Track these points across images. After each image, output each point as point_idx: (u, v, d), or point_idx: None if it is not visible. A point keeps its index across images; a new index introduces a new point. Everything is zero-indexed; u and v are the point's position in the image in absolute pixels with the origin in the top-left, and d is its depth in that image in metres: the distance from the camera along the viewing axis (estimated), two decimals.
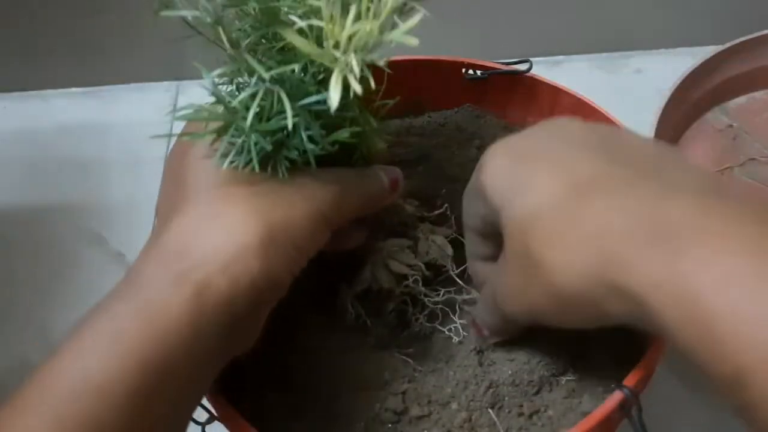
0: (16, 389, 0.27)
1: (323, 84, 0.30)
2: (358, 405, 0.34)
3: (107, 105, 0.71)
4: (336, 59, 0.27)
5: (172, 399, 0.28)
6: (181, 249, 0.29)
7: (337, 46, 0.27)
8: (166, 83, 0.71)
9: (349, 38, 0.27)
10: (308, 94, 0.30)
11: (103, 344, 0.27)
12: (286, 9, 0.29)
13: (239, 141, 0.30)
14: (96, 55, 0.70)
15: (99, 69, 0.71)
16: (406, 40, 0.26)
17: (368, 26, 0.26)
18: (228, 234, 0.30)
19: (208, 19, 0.31)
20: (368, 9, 0.27)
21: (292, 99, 0.29)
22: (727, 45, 0.59)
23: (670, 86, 0.55)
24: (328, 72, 0.28)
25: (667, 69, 0.58)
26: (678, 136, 0.60)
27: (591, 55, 0.67)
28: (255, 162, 0.30)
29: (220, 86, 0.32)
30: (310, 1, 0.28)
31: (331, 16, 0.27)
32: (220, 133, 0.31)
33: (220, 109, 0.31)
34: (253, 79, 0.30)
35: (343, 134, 0.31)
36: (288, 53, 0.31)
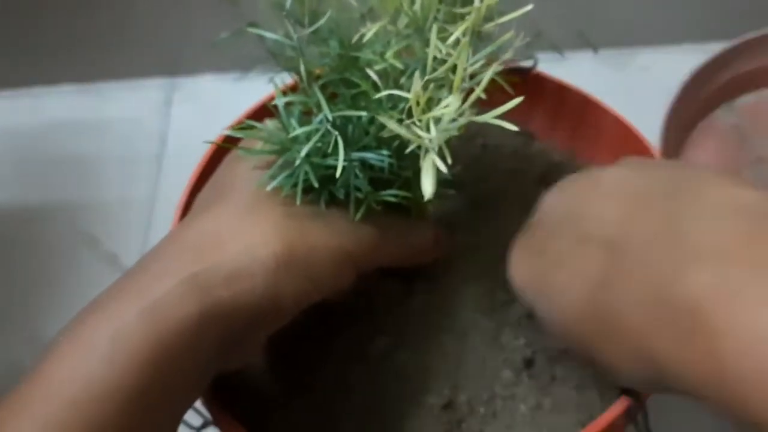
0: (11, 391, 0.26)
1: (384, 142, 0.31)
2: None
3: (100, 102, 0.71)
4: (420, 137, 0.27)
5: (169, 405, 0.28)
6: (200, 247, 0.29)
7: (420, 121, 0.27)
8: (160, 80, 0.71)
9: (436, 119, 0.27)
10: (367, 147, 0.30)
11: (104, 347, 0.26)
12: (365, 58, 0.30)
13: (290, 168, 0.31)
14: (88, 51, 0.69)
15: (91, 65, 0.70)
16: (501, 124, 0.26)
17: (455, 106, 0.27)
18: (246, 246, 0.29)
19: (289, 48, 0.32)
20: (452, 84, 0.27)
21: (351, 144, 0.30)
22: (736, 42, 0.58)
23: (678, 84, 0.55)
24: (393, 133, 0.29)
25: (674, 66, 0.57)
26: (686, 135, 0.59)
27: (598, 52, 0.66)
28: (299, 191, 0.30)
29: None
30: (392, 60, 0.29)
31: (417, 101, 0.27)
32: (275, 154, 0.31)
33: (281, 134, 0.32)
34: (318, 117, 0.30)
35: (389, 196, 0.31)
36: (358, 98, 0.31)
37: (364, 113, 0.30)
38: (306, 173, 0.30)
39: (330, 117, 0.30)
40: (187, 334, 0.27)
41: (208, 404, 0.33)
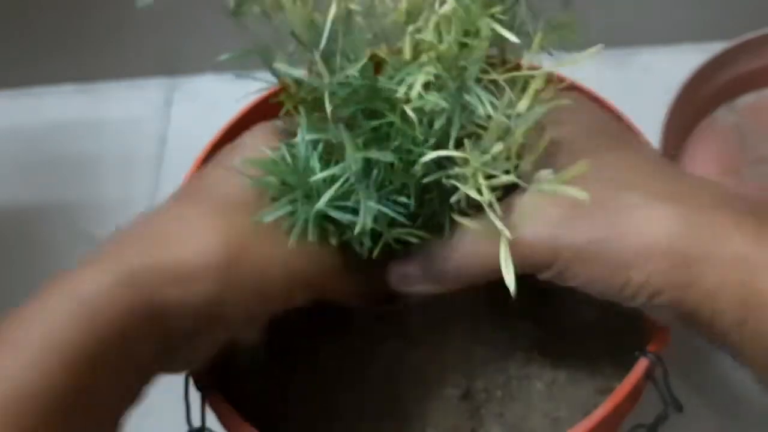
0: None
1: (406, 187, 0.30)
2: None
3: (100, 102, 0.70)
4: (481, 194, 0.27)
5: (102, 406, 0.27)
6: (149, 241, 0.28)
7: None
8: (159, 80, 0.70)
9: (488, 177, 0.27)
10: (394, 191, 0.29)
11: (34, 344, 0.25)
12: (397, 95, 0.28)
13: (292, 205, 0.30)
14: (88, 51, 0.69)
15: (91, 65, 0.70)
16: (572, 192, 0.27)
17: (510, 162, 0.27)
18: (198, 248, 0.28)
19: (316, 84, 0.30)
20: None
21: (373, 187, 0.29)
22: (736, 42, 0.58)
23: (678, 84, 0.55)
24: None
25: (675, 65, 0.57)
26: (686, 134, 0.59)
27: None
28: (296, 231, 0.29)
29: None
30: (429, 97, 0.27)
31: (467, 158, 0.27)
32: (281, 192, 0.30)
33: (290, 170, 0.30)
34: (337, 167, 0.29)
35: (408, 235, 0.31)
36: (379, 130, 0.30)
37: (391, 157, 0.29)
38: (313, 218, 0.29)
39: (354, 168, 0.28)
40: (119, 334, 0.26)
41: (214, 405, 0.33)
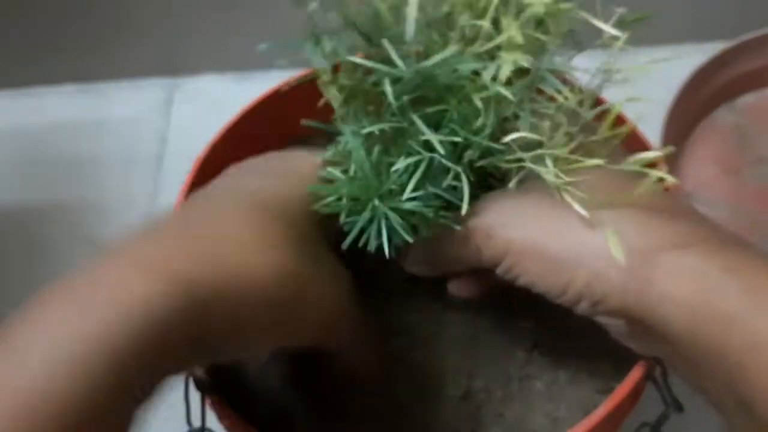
0: None
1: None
2: None
3: (101, 102, 0.70)
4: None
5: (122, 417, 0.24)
6: (206, 253, 0.25)
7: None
8: (160, 80, 0.70)
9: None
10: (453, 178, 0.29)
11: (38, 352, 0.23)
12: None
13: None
14: (89, 51, 0.69)
15: (92, 65, 0.70)
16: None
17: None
18: (255, 274, 0.26)
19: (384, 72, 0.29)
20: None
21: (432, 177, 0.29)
22: (736, 41, 0.58)
23: (679, 84, 0.55)
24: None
25: (674, 66, 0.57)
26: (686, 134, 0.59)
27: (596, 50, 0.66)
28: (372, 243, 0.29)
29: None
30: (500, 89, 0.27)
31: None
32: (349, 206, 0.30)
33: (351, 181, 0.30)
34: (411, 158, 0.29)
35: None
36: (435, 117, 0.29)
37: (462, 140, 0.28)
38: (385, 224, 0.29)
39: (439, 145, 0.27)
40: (161, 350, 0.23)
41: (214, 405, 0.33)
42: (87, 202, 0.64)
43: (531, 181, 0.30)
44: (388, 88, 0.27)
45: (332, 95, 0.30)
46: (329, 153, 0.32)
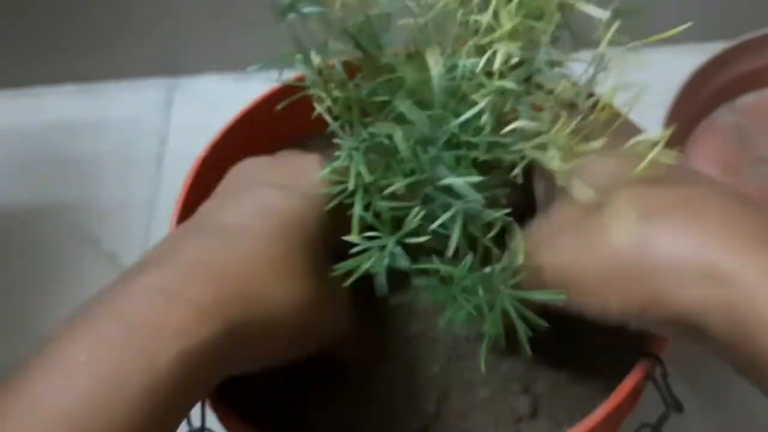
0: None
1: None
2: None
3: (101, 102, 0.70)
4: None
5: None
6: (244, 284, 0.28)
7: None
8: (160, 80, 0.70)
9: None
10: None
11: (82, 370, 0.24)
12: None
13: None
14: (89, 51, 0.69)
15: (92, 65, 0.70)
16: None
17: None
18: (285, 303, 0.28)
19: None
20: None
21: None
22: (736, 41, 0.58)
23: (679, 84, 0.55)
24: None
25: (675, 66, 0.57)
26: (686, 134, 0.59)
27: (595, 51, 0.66)
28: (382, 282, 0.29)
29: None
30: (502, 84, 0.27)
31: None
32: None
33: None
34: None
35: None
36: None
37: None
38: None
39: (472, 191, 0.27)
40: (197, 379, 0.25)
41: (214, 406, 0.33)
42: (87, 202, 0.64)
43: (556, 198, 0.30)
44: (402, 145, 0.28)
45: (325, 108, 0.30)
46: (330, 166, 0.31)
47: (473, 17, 0.28)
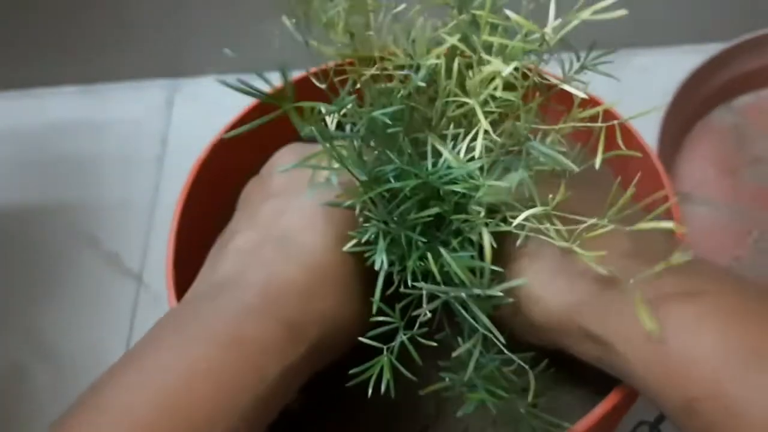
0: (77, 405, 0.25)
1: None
2: None
3: (102, 103, 0.71)
4: None
5: None
6: (304, 302, 0.30)
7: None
8: (161, 81, 0.71)
9: None
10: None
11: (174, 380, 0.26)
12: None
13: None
14: (90, 52, 0.69)
15: (93, 67, 0.70)
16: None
17: None
18: (336, 317, 0.31)
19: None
20: None
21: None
22: (734, 42, 0.58)
23: (676, 84, 0.55)
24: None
25: (673, 67, 0.57)
26: (684, 135, 0.60)
27: (594, 52, 0.66)
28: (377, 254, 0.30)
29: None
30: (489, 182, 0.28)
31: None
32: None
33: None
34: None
35: None
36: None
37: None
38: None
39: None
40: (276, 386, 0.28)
41: None
42: (87, 202, 0.64)
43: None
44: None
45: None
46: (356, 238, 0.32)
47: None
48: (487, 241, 0.27)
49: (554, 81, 0.30)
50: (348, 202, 0.31)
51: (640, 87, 0.65)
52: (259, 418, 0.27)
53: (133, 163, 0.66)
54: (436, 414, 0.35)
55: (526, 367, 0.30)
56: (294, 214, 0.32)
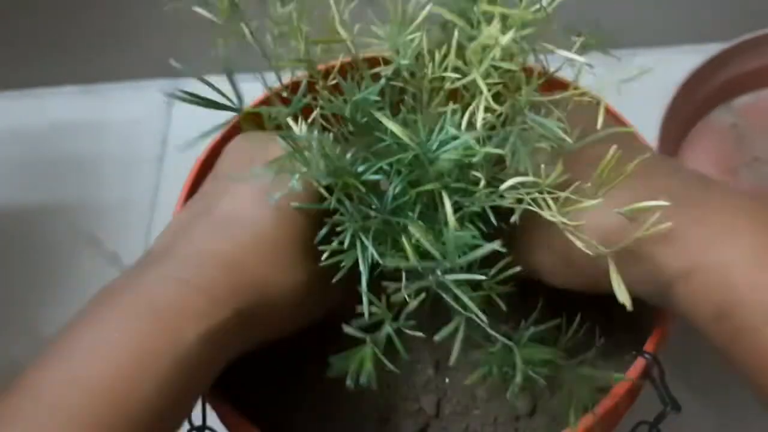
0: (5, 391, 0.26)
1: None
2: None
3: (102, 103, 0.70)
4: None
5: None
6: (252, 278, 0.31)
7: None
8: (161, 81, 0.70)
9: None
10: None
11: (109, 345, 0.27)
12: None
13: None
14: (90, 52, 0.69)
15: (93, 66, 0.70)
16: None
17: None
18: (285, 291, 0.32)
19: None
20: None
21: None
22: (734, 42, 0.58)
23: (676, 84, 0.55)
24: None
25: (672, 67, 0.57)
26: (683, 135, 0.60)
27: (594, 52, 0.66)
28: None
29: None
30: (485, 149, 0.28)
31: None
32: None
33: None
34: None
35: None
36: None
37: None
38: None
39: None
40: (215, 359, 0.29)
41: (215, 405, 0.34)
42: (87, 201, 0.64)
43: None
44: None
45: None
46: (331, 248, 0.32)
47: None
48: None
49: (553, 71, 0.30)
50: (310, 206, 0.32)
51: (640, 86, 0.65)
52: (184, 381, 0.27)
53: (133, 163, 0.66)
54: (436, 413, 0.35)
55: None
56: (234, 195, 0.33)
